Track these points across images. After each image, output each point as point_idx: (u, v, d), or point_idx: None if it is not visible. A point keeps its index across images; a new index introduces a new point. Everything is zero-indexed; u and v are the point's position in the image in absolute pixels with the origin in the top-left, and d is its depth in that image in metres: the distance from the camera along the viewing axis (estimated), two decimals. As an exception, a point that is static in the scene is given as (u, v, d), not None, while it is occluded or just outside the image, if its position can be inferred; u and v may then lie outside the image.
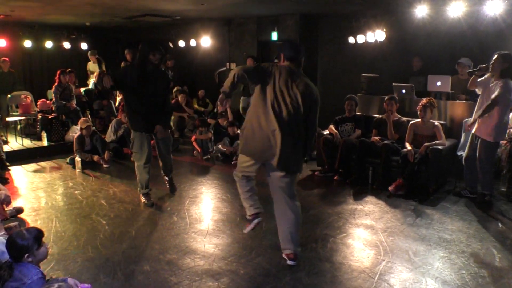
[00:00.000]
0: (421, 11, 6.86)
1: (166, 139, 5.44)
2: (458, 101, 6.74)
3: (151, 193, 5.49)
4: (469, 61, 6.98)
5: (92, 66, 11.10)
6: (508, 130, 5.90)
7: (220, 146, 7.82)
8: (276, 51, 9.92)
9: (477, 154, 5.36)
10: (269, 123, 3.52)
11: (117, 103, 9.80)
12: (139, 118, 5.08)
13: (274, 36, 9.75)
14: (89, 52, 11.31)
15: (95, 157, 7.19)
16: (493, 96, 5.06)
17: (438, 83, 6.86)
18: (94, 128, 8.19)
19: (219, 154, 7.85)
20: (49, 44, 11.49)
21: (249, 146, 3.70)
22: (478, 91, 5.45)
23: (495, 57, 5.13)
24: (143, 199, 5.43)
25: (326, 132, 6.85)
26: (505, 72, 5.06)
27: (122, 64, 11.00)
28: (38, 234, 2.94)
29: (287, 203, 3.72)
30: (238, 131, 7.97)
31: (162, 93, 5.17)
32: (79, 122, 7.57)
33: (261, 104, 3.58)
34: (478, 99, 5.39)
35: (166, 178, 5.77)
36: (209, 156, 7.76)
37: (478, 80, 5.37)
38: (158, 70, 5.14)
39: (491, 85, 5.18)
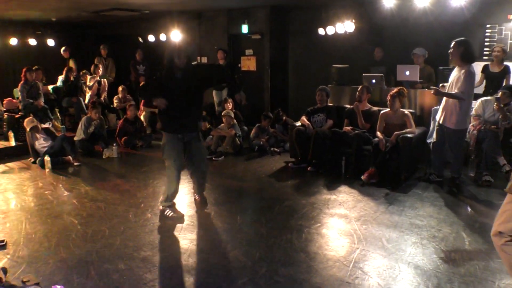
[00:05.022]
0: (388, 2, 6.93)
1: (198, 142, 4.80)
2: (427, 90, 6.86)
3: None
4: (424, 50, 7.31)
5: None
6: (476, 118, 6.07)
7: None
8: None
9: (447, 142, 5.49)
10: None
11: (86, 100, 9.60)
12: (173, 119, 4.57)
13: (245, 29, 9.71)
14: (62, 48, 10.99)
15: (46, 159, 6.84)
16: (458, 90, 5.17)
17: (407, 73, 7.00)
18: (53, 128, 7.95)
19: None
20: (13, 41, 11.15)
21: None
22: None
23: (452, 45, 5.26)
24: (169, 213, 4.66)
25: (298, 123, 6.88)
26: (464, 56, 5.19)
27: (96, 60, 10.75)
28: None
29: None
30: (209, 126, 7.97)
31: (192, 91, 4.61)
32: (24, 123, 7.16)
33: None
34: (448, 89, 5.48)
35: (197, 196, 5.04)
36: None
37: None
38: (185, 70, 4.57)
39: (455, 74, 5.32)
